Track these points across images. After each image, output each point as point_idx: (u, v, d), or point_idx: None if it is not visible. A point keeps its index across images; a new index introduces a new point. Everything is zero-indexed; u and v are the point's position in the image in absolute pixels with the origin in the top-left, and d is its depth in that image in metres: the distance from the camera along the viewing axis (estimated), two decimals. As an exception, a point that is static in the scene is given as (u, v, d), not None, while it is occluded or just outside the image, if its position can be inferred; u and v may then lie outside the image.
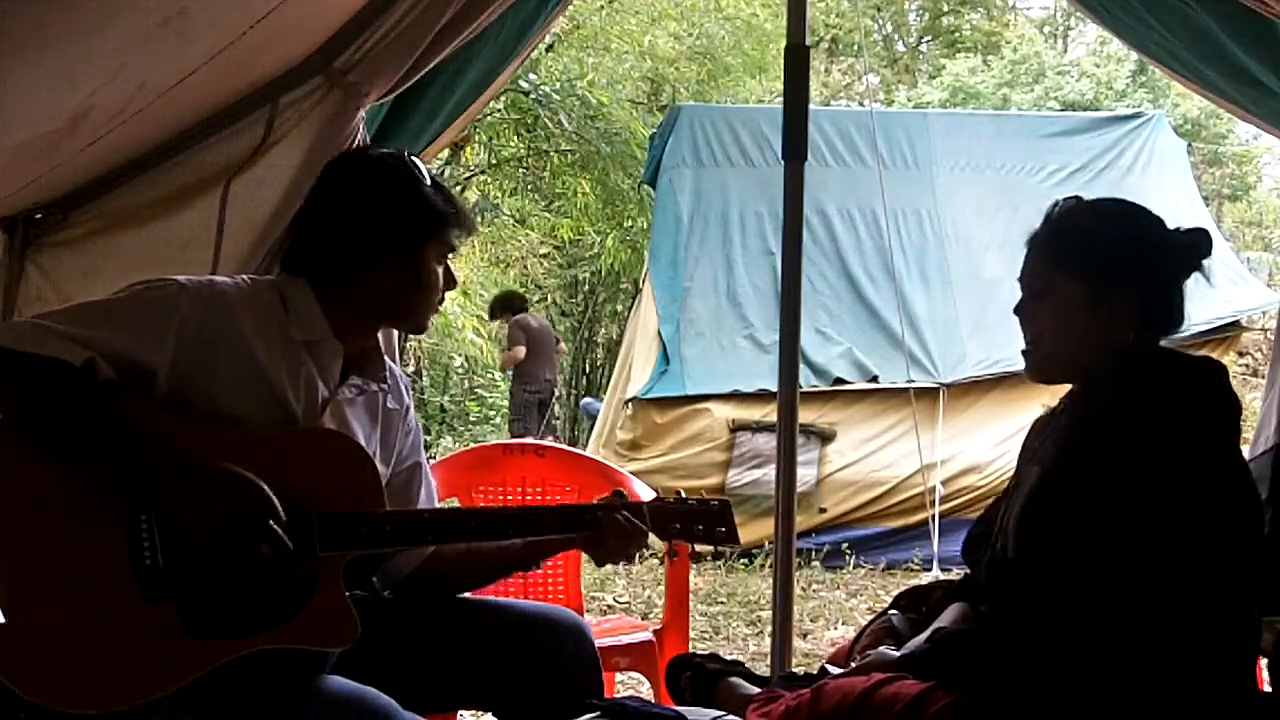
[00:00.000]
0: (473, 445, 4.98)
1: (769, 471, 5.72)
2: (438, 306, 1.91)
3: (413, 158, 1.90)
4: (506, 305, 9.37)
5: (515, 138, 11.40)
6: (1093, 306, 1.68)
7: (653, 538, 2.00)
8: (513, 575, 2.02)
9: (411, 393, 2.07)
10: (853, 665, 1.81)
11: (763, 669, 2.52)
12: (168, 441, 1.58)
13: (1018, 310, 1.78)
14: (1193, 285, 1.73)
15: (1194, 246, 1.70)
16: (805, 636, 4.61)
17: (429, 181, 1.86)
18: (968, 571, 1.90)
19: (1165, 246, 1.70)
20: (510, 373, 9.50)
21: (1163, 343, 1.73)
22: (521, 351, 9.02)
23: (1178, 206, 7.02)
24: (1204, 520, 1.55)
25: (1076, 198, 1.79)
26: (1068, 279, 1.70)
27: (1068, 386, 1.79)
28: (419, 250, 1.83)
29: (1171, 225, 1.72)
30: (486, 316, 10.12)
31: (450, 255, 1.89)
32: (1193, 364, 1.69)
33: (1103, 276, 1.68)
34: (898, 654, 1.74)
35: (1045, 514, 1.62)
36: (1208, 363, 1.69)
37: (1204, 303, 6.34)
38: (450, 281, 1.90)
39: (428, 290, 1.86)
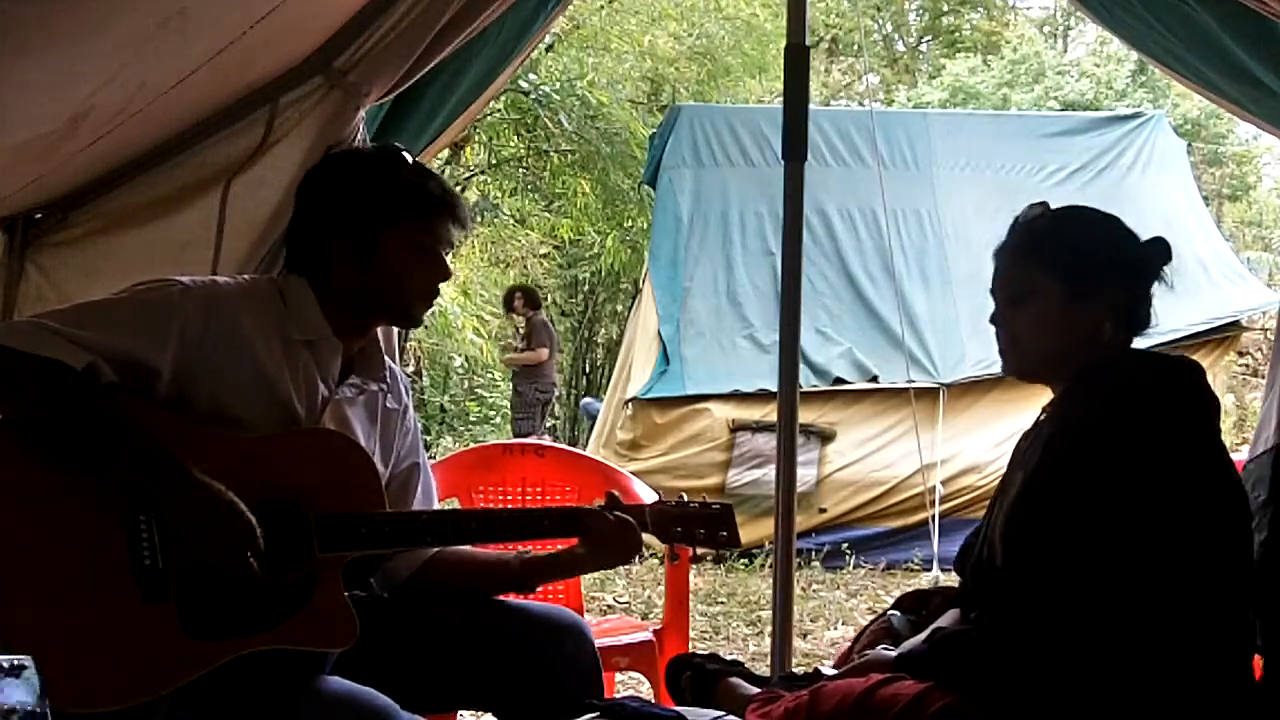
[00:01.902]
0: (473, 445, 4.98)
1: (769, 471, 5.71)
2: (427, 297, 1.85)
3: (396, 149, 1.88)
4: (531, 301, 9.35)
5: (515, 138, 11.40)
6: (1072, 305, 1.70)
7: (653, 539, 2.00)
8: (508, 594, 2.01)
9: (411, 393, 2.07)
10: (852, 664, 1.81)
11: (763, 669, 2.52)
12: (167, 448, 1.58)
13: (994, 319, 1.80)
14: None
15: (1154, 252, 1.73)
16: (805, 636, 4.61)
17: (401, 169, 1.83)
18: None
19: (1136, 250, 1.74)
20: (516, 370, 9.47)
21: (1154, 343, 1.74)
22: (545, 352, 9.06)
23: (1178, 206, 7.02)
24: (1188, 519, 1.55)
25: (1044, 204, 1.81)
26: (1047, 279, 1.72)
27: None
28: (378, 235, 1.79)
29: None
30: (502, 305, 10.08)
31: (430, 241, 1.82)
32: (1167, 364, 1.70)
33: (1081, 275, 1.70)
34: (894, 654, 1.74)
35: (1029, 519, 1.62)
36: (1183, 362, 1.71)
37: (1204, 303, 6.35)
38: (438, 271, 1.84)
39: (395, 277, 1.81)
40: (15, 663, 0.95)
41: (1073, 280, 1.70)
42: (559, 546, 1.97)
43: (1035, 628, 1.56)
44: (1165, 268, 1.73)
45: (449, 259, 1.89)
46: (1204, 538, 1.57)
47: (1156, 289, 1.74)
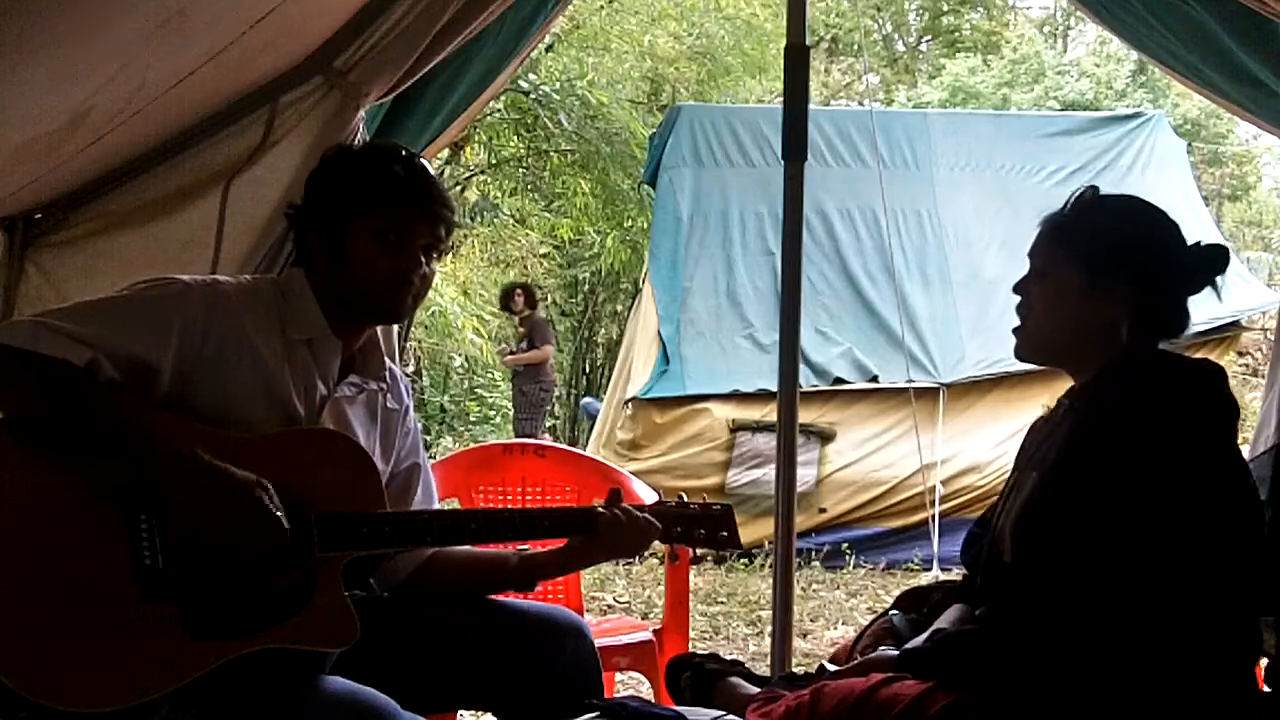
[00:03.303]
0: (473, 445, 4.97)
1: (769, 471, 5.71)
2: (395, 286, 1.80)
3: (389, 145, 1.87)
4: (530, 299, 9.33)
5: (515, 138, 11.39)
6: (1086, 294, 1.68)
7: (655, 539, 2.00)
8: (508, 593, 2.00)
9: (412, 393, 2.07)
10: (852, 663, 1.81)
11: (763, 669, 2.52)
12: (169, 443, 1.58)
13: (1018, 287, 1.78)
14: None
15: (1208, 263, 1.70)
16: (805, 636, 4.61)
17: (376, 162, 1.82)
18: (967, 573, 1.91)
19: (1173, 254, 1.70)
20: (519, 370, 9.42)
21: (1162, 345, 1.73)
22: (550, 350, 9.06)
23: (1177, 206, 7.01)
24: (1203, 525, 1.55)
25: (1094, 188, 1.78)
26: (1067, 262, 1.70)
27: (1064, 386, 1.79)
28: (347, 226, 1.79)
29: (1191, 239, 1.72)
30: (498, 305, 10.06)
31: (394, 229, 1.78)
32: (1192, 368, 1.68)
33: (1101, 266, 1.68)
34: (896, 654, 1.74)
35: (1043, 520, 1.61)
36: (1207, 366, 1.69)
37: (1204, 303, 6.34)
38: (401, 259, 1.79)
39: (360, 266, 1.78)
40: None
41: (1091, 270, 1.68)
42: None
43: (1040, 627, 1.56)
44: (1219, 279, 1.70)
45: (441, 257, 1.87)
46: (1216, 545, 1.56)
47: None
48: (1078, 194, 1.77)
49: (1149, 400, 1.60)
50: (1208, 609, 1.56)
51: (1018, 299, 1.78)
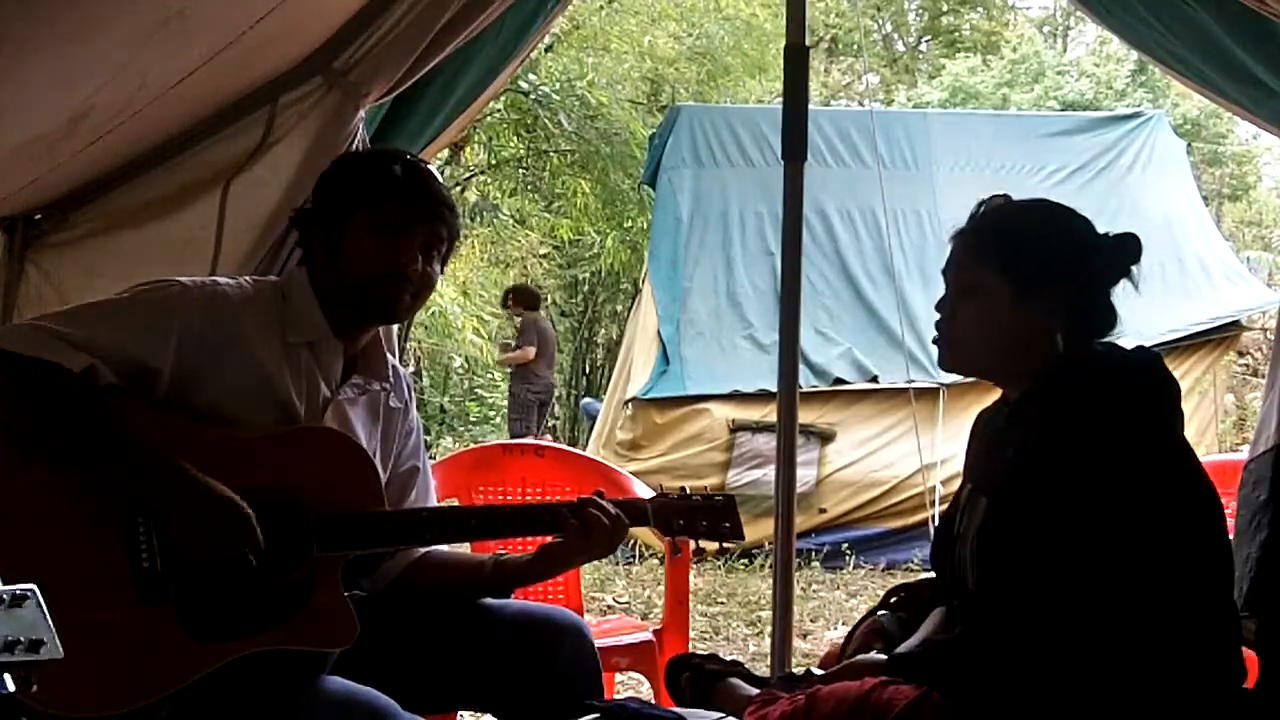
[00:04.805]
0: (473, 445, 4.98)
1: (769, 471, 5.71)
2: (387, 282, 1.79)
3: (390, 149, 1.88)
4: (524, 300, 9.32)
5: (515, 138, 11.40)
6: (1016, 305, 1.65)
7: (655, 535, 1.99)
8: (487, 598, 1.95)
9: (414, 391, 2.07)
10: (841, 665, 1.80)
11: (763, 669, 2.52)
12: (165, 454, 1.58)
13: (940, 305, 1.74)
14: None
15: (1122, 252, 1.66)
16: (805, 636, 4.61)
17: (374, 161, 1.84)
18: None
19: (1092, 249, 1.67)
20: (511, 370, 9.46)
21: (1154, 344, 1.72)
22: (531, 351, 9.03)
23: (1177, 206, 7.02)
24: (1161, 527, 1.53)
25: (1005, 196, 1.76)
26: (993, 276, 1.66)
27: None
28: (344, 222, 1.79)
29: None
30: (499, 304, 10.09)
31: (388, 225, 1.78)
32: (1124, 363, 1.66)
33: (1027, 275, 1.64)
34: (885, 657, 1.73)
35: (1000, 549, 1.59)
36: (1138, 361, 1.67)
37: (1204, 303, 6.35)
38: (393, 254, 1.78)
39: (354, 261, 1.78)
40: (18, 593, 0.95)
41: (1020, 281, 1.64)
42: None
43: (1024, 644, 1.54)
44: (1134, 268, 1.66)
45: (444, 260, 1.88)
46: (1180, 543, 1.55)
47: (1124, 290, 1.67)
48: (989, 205, 1.74)
49: (1081, 414, 1.58)
50: (1182, 610, 1.54)
51: (939, 316, 1.74)
